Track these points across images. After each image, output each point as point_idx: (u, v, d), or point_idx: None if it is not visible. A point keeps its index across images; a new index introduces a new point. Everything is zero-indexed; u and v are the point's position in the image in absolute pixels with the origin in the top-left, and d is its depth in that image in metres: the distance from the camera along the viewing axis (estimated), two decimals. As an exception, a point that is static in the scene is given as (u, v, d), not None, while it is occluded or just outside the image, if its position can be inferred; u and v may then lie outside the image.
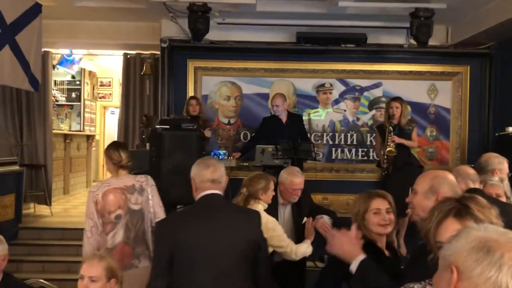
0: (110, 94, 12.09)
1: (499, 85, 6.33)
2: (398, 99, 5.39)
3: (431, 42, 5.98)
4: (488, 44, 6.31)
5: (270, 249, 3.09)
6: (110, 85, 12.00)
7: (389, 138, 5.04)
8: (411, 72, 6.58)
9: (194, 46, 6.27)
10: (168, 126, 4.75)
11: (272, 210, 3.35)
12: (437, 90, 6.62)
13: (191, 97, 5.90)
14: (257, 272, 2.33)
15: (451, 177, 2.02)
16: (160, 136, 4.65)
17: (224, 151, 6.09)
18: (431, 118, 6.64)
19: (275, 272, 2.99)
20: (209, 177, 2.35)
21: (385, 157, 5.07)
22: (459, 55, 6.54)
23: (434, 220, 1.41)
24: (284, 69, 6.51)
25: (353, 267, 1.93)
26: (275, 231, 3.11)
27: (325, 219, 3.50)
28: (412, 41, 6.13)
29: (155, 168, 4.73)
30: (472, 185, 2.92)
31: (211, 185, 2.35)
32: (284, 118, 5.62)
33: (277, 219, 3.36)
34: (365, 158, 6.58)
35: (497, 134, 5.40)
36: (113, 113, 12.60)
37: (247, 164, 6.09)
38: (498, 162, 3.51)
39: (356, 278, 1.93)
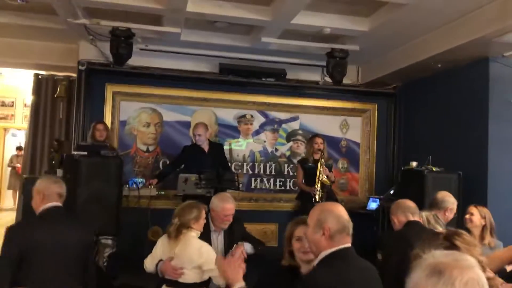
0: (13, 115, 11.23)
1: (403, 123, 6.93)
2: (320, 135, 5.77)
3: (344, 80, 6.40)
4: (394, 85, 6.91)
5: (206, 275, 3.11)
6: (12, 105, 11.16)
7: (322, 169, 5.29)
8: (325, 107, 6.97)
9: (114, 71, 6.10)
10: (85, 153, 4.53)
11: (205, 237, 3.34)
12: (349, 125, 7.07)
13: (98, 122, 5.64)
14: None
15: (338, 209, 2.08)
16: (77, 162, 4.42)
17: (141, 179, 5.93)
18: (342, 151, 7.05)
19: None
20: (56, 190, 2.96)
21: (319, 188, 5.28)
22: (368, 94, 7.06)
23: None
24: (206, 98, 6.55)
25: None
26: (209, 255, 3.09)
27: (247, 247, 3.54)
28: (327, 79, 6.53)
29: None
30: (411, 218, 3.17)
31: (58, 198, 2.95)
32: (205, 147, 5.63)
33: None
34: (283, 188, 6.78)
35: (402, 168, 5.85)
36: (15, 136, 11.73)
37: (163, 193, 5.97)
38: (452, 202, 3.83)
39: None
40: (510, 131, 5.17)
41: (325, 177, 5.36)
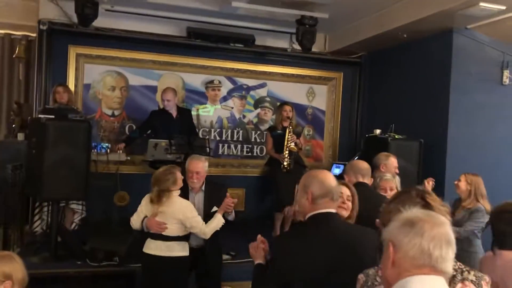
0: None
1: (368, 92, 7.10)
2: (289, 103, 5.83)
3: (312, 49, 6.45)
4: (360, 54, 7.03)
5: (188, 230, 3.50)
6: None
7: (290, 137, 5.37)
8: (292, 75, 7.02)
9: (77, 32, 5.86)
10: (53, 116, 4.41)
11: (183, 196, 3.56)
12: (315, 93, 7.17)
13: (59, 84, 5.42)
14: None
15: (323, 175, 2.16)
16: (43, 126, 4.29)
17: (107, 144, 5.85)
18: (308, 118, 7.18)
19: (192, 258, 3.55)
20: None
21: (287, 155, 5.37)
22: (334, 62, 7.15)
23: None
24: (173, 62, 6.44)
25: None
26: (191, 213, 3.45)
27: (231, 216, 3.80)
28: (295, 46, 6.56)
29: (36, 161, 4.37)
30: (361, 179, 3.29)
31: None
32: (174, 112, 5.59)
33: None
34: (250, 154, 6.86)
35: (366, 135, 6.04)
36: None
37: (128, 158, 5.91)
38: (384, 158, 4.03)
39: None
40: (470, 101, 5.42)
41: (293, 144, 5.47)
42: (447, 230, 1.32)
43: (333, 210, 2.12)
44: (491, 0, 4.47)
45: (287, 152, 5.43)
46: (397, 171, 4.13)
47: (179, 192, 3.47)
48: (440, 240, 1.29)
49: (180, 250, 3.48)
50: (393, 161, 4.12)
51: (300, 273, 1.98)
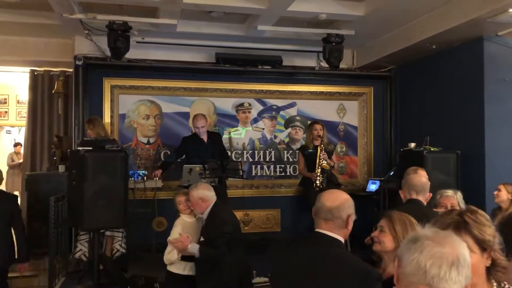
0: (6, 112, 11.17)
1: (399, 105, 7.02)
2: (319, 122, 5.85)
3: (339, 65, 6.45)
4: (389, 67, 6.98)
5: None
6: (6, 103, 11.09)
7: (321, 155, 5.37)
8: (322, 92, 7.03)
9: (111, 64, 6.10)
10: (90, 148, 4.56)
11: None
12: (345, 109, 7.15)
13: (87, 120, 5.58)
14: None
15: (321, 195, 2.23)
16: (82, 158, 4.45)
17: (143, 172, 5.99)
18: (340, 135, 7.14)
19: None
20: None
21: (319, 174, 5.36)
22: (363, 77, 7.13)
23: None
24: (204, 88, 6.58)
25: None
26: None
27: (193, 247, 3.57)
28: (323, 64, 6.59)
29: (76, 192, 4.52)
30: (414, 196, 3.14)
31: None
32: (204, 137, 5.68)
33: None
34: (283, 174, 6.86)
35: (402, 149, 5.94)
36: (9, 132, 11.69)
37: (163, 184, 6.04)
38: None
39: None
40: (505, 109, 5.27)
41: (325, 162, 5.45)
42: (455, 250, 1.23)
43: (324, 231, 2.14)
44: (520, 6, 4.38)
45: (319, 170, 5.42)
46: None
47: (185, 215, 3.91)
48: (441, 258, 1.21)
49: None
50: None
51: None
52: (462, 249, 1.26)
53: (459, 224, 1.56)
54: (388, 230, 2.33)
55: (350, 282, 1.96)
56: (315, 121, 5.97)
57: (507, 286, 1.60)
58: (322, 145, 5.50)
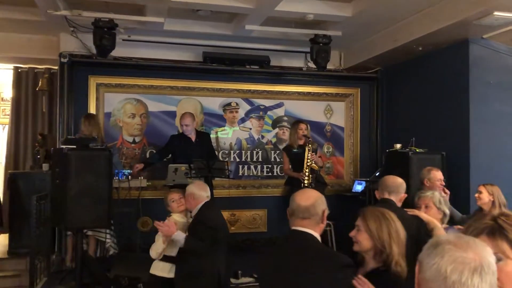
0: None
1: (386, 106, 7.05)
2: (304, 121, 5.82)
3: (327, 66, 6.46)
4: (376, 69, 7.01)
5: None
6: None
7: (309, 155, 5.35)
8: (309, 93, 7.03)
9: (97, 62, 6.03)
10: (74, 146, 4.49)
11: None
12: (332, 110, 7.16)
13: (85, 116, 5.56)
14: None
15: (295, 194, 2.32)
16: (66, 156, 4.38)
17: (128, 171, 5.91)
18: (327, 136, 7.15)
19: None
20: None
21: (307, 173, 5.35)
22: (350, 79, 7.15)
23: (469, 235, 1.40)
24: (190, 87, 6.54)
25: None
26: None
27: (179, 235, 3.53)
28: (310, 65, 6.60)
29: (60, 191, 4.44)
30: (387, 196, 3.24)
31: None
32: (193, 136, 5.65)
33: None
34: (270, 174, 6.85)
35: (387, 150, 5.97)
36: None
37: (149, 183, 5.99)
38: (426, 173, 4.02)
39: None
40: (490, 111, 5.32)
41: (314, 162, 5.44)
42: (478, 256, 1.17)
43: (302, 229, 2.23)
44: (505, 9, 4.42)
45: (307, 170, 5.41)
46: (443, 183, 4.14)
47: (177, 214, 3.83)
48: (463, 264, 1.15)
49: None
50: (435, 174, 4.11)
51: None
52: (487, 254, 1.19)
53: (494, 229, 1.45)
54: (363, 228, 2.32)
55: (322, 270, 2.13)
56: (300, 120, 5.94)
57: None
58: (310, 145, 5.48)
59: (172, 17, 5.66)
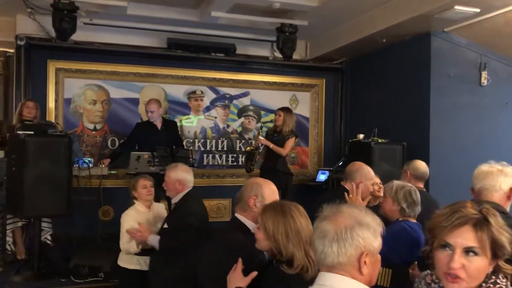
0: None
1: (350, 97, 7.14)
2: (285, 109, 5.80)
3: (293, 56, 6.47)
4: (341, 60, 7.08)
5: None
6: None
7: (257, 138, 5.53)
8: (275, 83, 7.03)
9: (56, 46, 5.80)
10: (32, 132, 4.33)
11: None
12: (298, 100, 7.19)
13: (29, 99, 5.37)
14: None
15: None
16: (23, 142, 4.22)
17: (89, 159, 5.77)
18: (292, 125, 7.16)
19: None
20: None
21: (246, 155, 5.50)
22: (316, 69, 7.19)
23: (453, 222, 1.41)
24: (154, 74, 6.40)
25: None
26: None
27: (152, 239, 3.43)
28: (277, 54, 6.58)
29: (16, 178, 4.28)
30: (343, 183, 3.35)
31: None
32: (158, 124, 5.55)
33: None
34: (235, 163, 6.83)
35: (350, 140, 6.06)
36: None
37: (115, 172, 5.85)
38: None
39: None
40: (449, 102, 5.47)
41: (255, 145, 5.76)
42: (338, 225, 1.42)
43: (236, 214, 2.45)
44: (466, 3, 4.54)
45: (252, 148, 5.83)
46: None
47: (139, 204, 3.79)
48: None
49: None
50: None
51: None
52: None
53: (481, 222, 1.42)
54: (261, 226, 2.01)
55: (219, 253, 2.25)
56: (281, 108, 5.83)
57: None
58: (260, 131, 5.74)
59: (135, 1, 5.52)
